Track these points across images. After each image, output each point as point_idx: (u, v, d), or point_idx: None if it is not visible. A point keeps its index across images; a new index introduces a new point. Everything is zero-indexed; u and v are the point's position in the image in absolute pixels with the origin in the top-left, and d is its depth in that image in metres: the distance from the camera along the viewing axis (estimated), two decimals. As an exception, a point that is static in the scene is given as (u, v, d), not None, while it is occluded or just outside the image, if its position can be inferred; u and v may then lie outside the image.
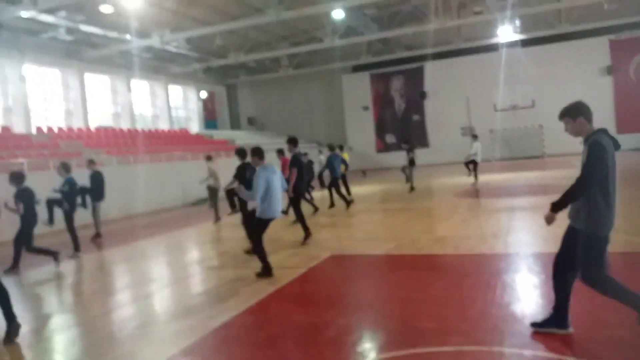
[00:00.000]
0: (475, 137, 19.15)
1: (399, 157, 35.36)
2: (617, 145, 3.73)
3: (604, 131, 3.76)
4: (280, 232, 9.83)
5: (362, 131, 36.62)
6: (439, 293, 5.22)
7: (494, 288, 5.18)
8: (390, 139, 36.63)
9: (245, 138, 31.29)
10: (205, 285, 6.62)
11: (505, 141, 33.03)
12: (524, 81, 30.02)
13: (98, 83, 25.42)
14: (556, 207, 3.74)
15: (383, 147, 36.78)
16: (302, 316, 4.88)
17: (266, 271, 6.44)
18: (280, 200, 6.69)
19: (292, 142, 9.99)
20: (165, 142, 23.78)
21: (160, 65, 28.52)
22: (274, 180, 6.49)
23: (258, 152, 6.71)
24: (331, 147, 14.66)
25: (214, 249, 9.58)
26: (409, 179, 17.93)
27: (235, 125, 36.32)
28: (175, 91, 31.34)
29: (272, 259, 7.38)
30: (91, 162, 11.97)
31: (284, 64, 31.60)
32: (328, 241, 8.80)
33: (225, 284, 6.36)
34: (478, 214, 10.61)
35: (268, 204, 6.43)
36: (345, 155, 16.29)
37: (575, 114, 3.81)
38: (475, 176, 17.82)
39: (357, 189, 19.91)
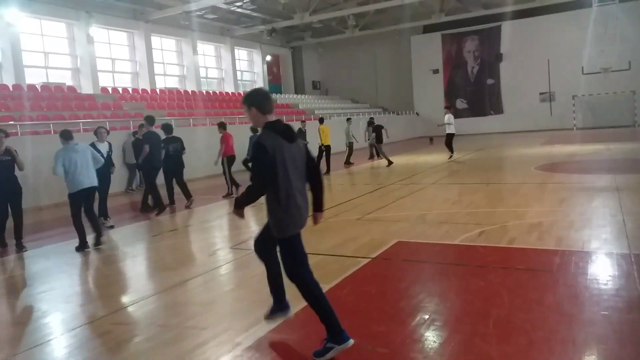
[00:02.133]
0: (448, 107, 18.45)
1: (470, 124, 33.53)
2: (292, 137, 3.47)
3: (273, 126, 3.45)
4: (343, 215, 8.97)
5: (430, 96, 34.73)
6: (550, 311, 4.10)
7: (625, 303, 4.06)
8: (461, 104, 34.53)
9: (309, 102, 30.43)
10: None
11: (590, 108, 30.17)
12: (620, 40, 26.80)
13: (164, 45, 25.25)
14: (237, 204, 3.59)
15: (453, 113, 34.67)
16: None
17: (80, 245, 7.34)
18: (87, 173, 7.37)
19: (148, 120, 10.44)
20: (228, 105, 23.38)
21: (226, 27, 27.95)
22: (75, 157, 7.28)
23: (63, 134, 7.51)
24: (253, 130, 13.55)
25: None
26: (372, 155, 18.43)
27: (299, 89, 35.45)
28: (241, 54, 30.80)
29: (329, 244, 6.60)
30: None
31: (350, 25, 30.03)
32: (395, 222, 7.83)
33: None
34: (574, 194, 9.18)
35: (71, 179, 7.26)
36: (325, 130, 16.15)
37: (249, 102, 3.52)
38: (451, 150, 17.40)
39: (425, 158, 18.72)
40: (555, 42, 30.24)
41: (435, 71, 34.65)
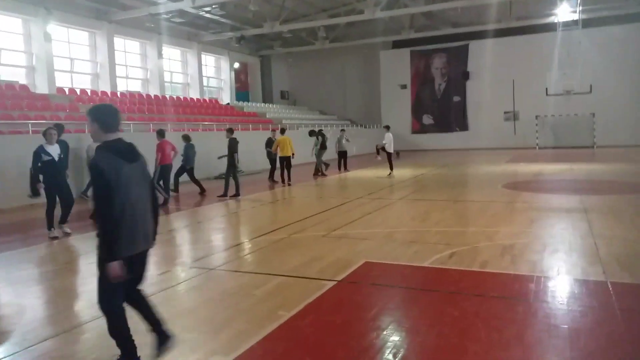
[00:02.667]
0: (387, 127, 18.74)
1: (436, 139, 33.77)
2: (132, 158, 3.30)
3: (111, 146, 3.25)
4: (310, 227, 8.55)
5: (398, 111, 34.86)
6: (530, 350, 3.76)
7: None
8: (427, 120, 34.80)
9: (276, 112, 29.99)
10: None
11: (552, 128, 30.87)
12: (582, 64, 27.51)
13: (128, 47, 24.38)
14: (105, 255, 3.18)
15: (419, 128, 34.99)
16: None
17: None
18: None
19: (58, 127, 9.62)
20: (192, 112, 22.68)
21: (193, 32, 27.31)
22: None
23: None
24: (186, 138, 14.25)
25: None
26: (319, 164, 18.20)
27: (267, 98, 34.97)
28: (208, 60, 30.14)
29: (292, 263, 6.17)
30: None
31: (320, 37, 29.87)
32: (362, 240, 7.46)
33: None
34: (543, 215, 9.03)
35: None
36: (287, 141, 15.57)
37: (92, 116, 3.31)
38: (391, 167, 17.59)
39: (394, 173, 18.47)
40: (521, 63, 30.86)
41: (404, 86, 34.84)
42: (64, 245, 8.04)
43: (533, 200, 10.83)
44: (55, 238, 8.22)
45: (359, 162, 23.49)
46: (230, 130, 13.12)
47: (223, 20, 25.85)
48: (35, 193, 8.25)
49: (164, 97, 23.90)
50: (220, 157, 14.08)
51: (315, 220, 9.16)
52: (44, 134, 8.59)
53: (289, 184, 15.29)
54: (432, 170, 18.77)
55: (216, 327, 4.25)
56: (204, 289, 5.43)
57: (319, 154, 18.16)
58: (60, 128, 9.82)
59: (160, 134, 12.34)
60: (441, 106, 34.25)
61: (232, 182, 12.91)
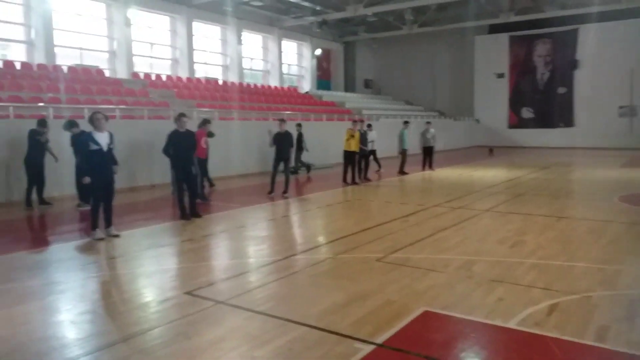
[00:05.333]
0: (369, 126, 15.62)
1: (536, 136, 30.31)
2: None
3: None
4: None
5: (493, 102, 31.74)
6: None
7: None
8: (526, 113, 31.37)
9: (356, 101, 28.28)
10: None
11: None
12: None
13: (208, 33, 23.89)
14: None
15: (517, 122, 31.64)
16: None
17: None
18: None
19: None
20: (267, 100, 21.64)
21: (274, 17, 26.31)
22: None
23: None
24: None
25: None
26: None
27: (350, 87, 33.34)
28: (289, 47, 29.08)
29: (324, 303, 4.55)
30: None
31: (408, 21, 27.56)
32: (427, 272, 5.68)
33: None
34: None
35: None
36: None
37: None
38: (378, 164, 16.56)
39: (482, 174, 16.19)
40: (641, 50, 26.64)
41: (500, 75, 31.60)
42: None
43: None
44: (101, 239, 7.26)
45: (446, 160, 21.26)
46: (283, 121, 11.67)
47: (304, 3, 24.52)
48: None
49: (240, 84, 23.13)
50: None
51: (374, 235, 7.47)
52: (91, 119, 7.60)
53: (355, 183, 13.59)
54: (530, 173, 16.17)
55: None
56: (193, 335, 3.99)
57: (296, 156, 15.97)
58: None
59: (202, 122, 11.21)
60: (543, 98, 30.65)
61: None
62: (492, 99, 31.69)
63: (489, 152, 25.86)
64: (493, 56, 31.42)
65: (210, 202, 10.76)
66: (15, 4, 16.61)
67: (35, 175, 10.18)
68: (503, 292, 4.89)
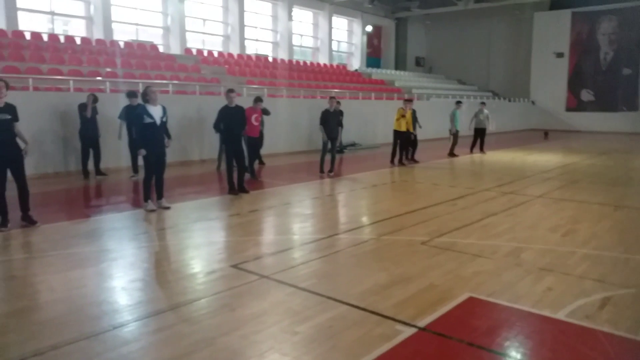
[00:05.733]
0: (483, 104, 16.54)
1: (596, 120, 28.84)
2: None
3: None
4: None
5: (550, 83, 30.39)
6: None
7: None
8: (586, 95, 29.88)
9: (406, 80, 27.75)
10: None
11: None
12: None
13: (259, 9, 23.91)
14: None
15: (576, 105, 30.22)
16: None
17: None
18: None
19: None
20: (316, 77, 21.55)
21: (326, -8, 26.01)
22: None
23: None
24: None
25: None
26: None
27: (400, 65, 32.68)
28: (340, 23, 28.74)
29: (367, 284, 4.54)
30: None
31: (464, -4, 26.63)
32: (474, 258, 5.56)
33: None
34: None
35: None
36: None
37: None
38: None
39: (536, 158, 15.63)
40: None
41: (560, 55, 30.13)
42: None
43: None
44: (153, 211, 7.53)
45: (498, 142, 20.64)
46: (334, 99, 11.52)
47: (357, -22, 24.11)
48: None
49: (290, 61, 23.12)
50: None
51: (420, 217, 7.36)
52: (145, 93, 7.82)
53: (402, 164, 13.40)
54: (587, 159, 15.46)
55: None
56: (236, 307, 4.09)
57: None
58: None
59: (255, 100, 10.84)
60: (606, 80, 29.06)
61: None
62: (550, 79, 30.33)
63: (544, 135, 24.89)
64: (553, 34, 29.95)
65: (259, 180, 10.88)
66: (76, -20, 17.17)
67: (89, 147, 10.63)
68: (552, 282, 4.73)
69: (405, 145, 13.55)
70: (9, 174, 6.42)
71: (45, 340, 3.51)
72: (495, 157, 15.93)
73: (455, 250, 5.73)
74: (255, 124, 10.35)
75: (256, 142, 10.79)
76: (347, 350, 3.39)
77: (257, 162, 12.29)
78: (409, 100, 13.71)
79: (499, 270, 5.08)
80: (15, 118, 6.41)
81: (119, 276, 4.91)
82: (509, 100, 29.93)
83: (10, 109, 6.36)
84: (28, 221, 6.59)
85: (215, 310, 4.10)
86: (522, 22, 30.53)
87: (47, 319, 3.88)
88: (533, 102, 31.39)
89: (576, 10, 29.05)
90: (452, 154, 15.66)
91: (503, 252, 5.65)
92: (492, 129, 16.78)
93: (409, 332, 3.67)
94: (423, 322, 3.81)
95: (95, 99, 10.65)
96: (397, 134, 13.24)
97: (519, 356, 3.41)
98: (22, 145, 6.57)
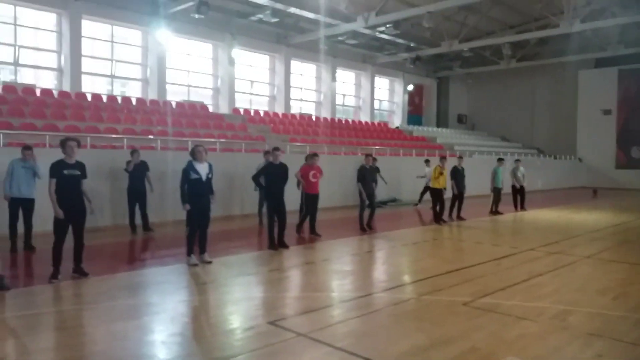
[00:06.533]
0: (427, 161, 16.77)
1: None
2: None
3: None
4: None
5: (598, 140, 29.69)
6: None
7: None
8: (637, 152, 28.92)
9: (448, 136, 27.81)
10: None
11: None
12: None
13: (304, 70, 24.90)
14: None
15: (626, 163, 29.25)
16: None
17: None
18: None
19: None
20: (357, 135, 21.93)
21: (368, 54, 26.84)
22: None
23: None
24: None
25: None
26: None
27: (442, 122, 32.85)
28: (382, 83, 29.45)
29: (403, 346, 4.46)
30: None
31: (506, 55, 26.71)
32: (518, 320, 5.37)
33: None
34: None
35: None
36: None
37: None
38: (420, 199, 17.37)
39: (585, 217, 15.12)
40: None
41: (607, 112, 29.56)
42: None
43: None
44: (195, 265, 7.72)
45: (544, 200, 20.12)
46: (370, 156, 11.67)
47: (398, 40, 24.78)
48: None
49: (332, 119, 23.69)
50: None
51: (462, 277, 7.20)
52: (193, 151, 8.21)
53: (444, 221, 13.18)
54: (638, 218, 14.81)
55: None
56: (275, 369, 4.09)
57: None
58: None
59: (307, 157, 11.01)
60: (657, 137, 28.14)
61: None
62: (597, 136, 29.64)
63: (593, 193, 24.07)
64: (599, 91, 29.54)
65: (318, 235, 10.63)
66: (135, 46, 18.50)
67: (136, 201, 10.94)
68: (602, 348, 4.49)
69: (441, 202, 13.26)
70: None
71: (86, 391, 3.60)
72: (541, 215, 15.49)
73: (498, 312, 5.55)
74: (314, 180, 10.37)
75: (315, 199, 10.62)
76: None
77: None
78: (444, 158, 13.65)
79: (545, 333, 4.88)
80: (84, 175, 6.84)
81: (159, 330, 5.02)
82: (555, 158, 29.33)
83: (80, 166, 6.82)
84: (80, 273, 6.86)
85: (252, 367, 4.10)
86: (566, 79, 30.34)
87: (90, 370, 3.99)
88: (580, 160, 30.62)
89: (623, 68, 28.69)
90: (495, 211, 15.35)
91: (549, 315, 5.43)
92: (525, 185, 16.52)
93: (447, 398, 3.55)
94: (463, 388, 3.68)
95: (136, 154, 10.93)
96: (434, 191, 13.17)
97: None
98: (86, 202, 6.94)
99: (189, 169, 7.84)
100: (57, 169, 6.64)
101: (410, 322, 5.29)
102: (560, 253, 9.10)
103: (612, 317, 5.40)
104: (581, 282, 7.05)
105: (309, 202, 10.51)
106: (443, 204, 13.21)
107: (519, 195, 16.40)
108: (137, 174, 10.88)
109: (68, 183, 6.65)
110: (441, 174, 13.09)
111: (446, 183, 13.23)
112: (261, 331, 4.91)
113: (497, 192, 15.48)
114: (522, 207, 16.34)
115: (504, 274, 7.46)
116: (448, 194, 13.43)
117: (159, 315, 5.43)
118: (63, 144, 6.75)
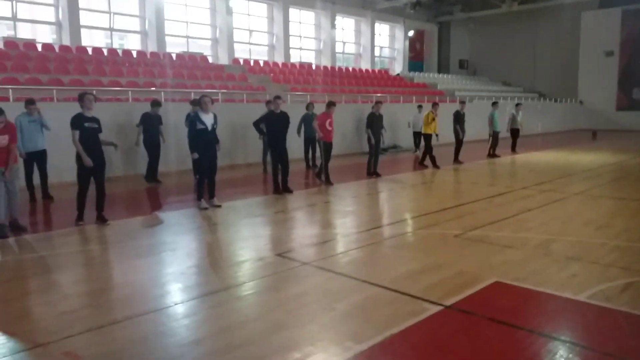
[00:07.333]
0: (420, 107, 17.37)
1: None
2: None
3: None
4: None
5: (599, 83, 29.58)
6: None
7: None
8: (638, 94, 28.87)
9: (449, 82, 27.75)
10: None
11: None
12: None
13: (303, 18, 24.65)
14: None
15: (626, 104, 29.29)
16: None
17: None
18: None
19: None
20: (357, 83, 22.00)
21: (368, 0, 26.42)
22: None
23: None
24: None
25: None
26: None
27: (443, 68, 32.67)
28: (382, 29, 29.12)
29: (399, 270, 4.94)
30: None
31: (508, -3, 26.38)
32: (504, 248, 5.84)
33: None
34: None
35: None
36: None
37: None
38: (417, 146, 17.38)
39: (581, 157, 15.48)
40: None
41: (610, 53, 29.30)
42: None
43: None
44: (206, 209, 8.19)
45: (543, 143, 20.41)
46: (380, 103, 11.93)
47: (398, -16, 24.43)
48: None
49: (332, 68, 23.68)
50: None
51: (455, 214, 7.68)
52: (199, 102, 8.50)
53: (423, 166, 13.53)
54: (634, 158, 15.18)
55: (262, 351, 3.38)
56: (281, 288, 4.59)
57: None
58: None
59: (327, 104, 11.01)
60: (659, 78, 28.03)
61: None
62: (599, 79, 29.53)
63: (592, 135, 24.32)
64: (602, 33, 29.17)
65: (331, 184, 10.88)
66: (132, -2, 18.40)
67: (152, 153, 11.29)
68: (578, 269, 4.98)
69: (427, 146, 13.57)
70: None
71: (118, 313, 4.11)
72: (538, 157, 15.88)
73: (486, 242, 6.04)
74: (329, 128, 10.66)
75: (330, 147, 10.91)
76: (378, 323, 3.81)
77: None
78: (437, 104, 13.89)
79: (527, 259, 5.36)
80: (100, 129, 7.17)
81: (177, 263, 5.52)
82: (556, 101, 29.36)
83: (96, 120, 7.15)
84: (101, 219, 7.32)
85: (262, 290, 4.62)
86: (569, 21, 29.90)
87: (120, 297, 4.51)
88: (581, 102, 30.64)
89: (627, 8, 28.22)
90: (492, 154, 15.72)
91: (533, 244, 5.91)
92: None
93: (435, 309, 4.05)
94: (449, 302, 4.18)
95: (157, 106, 11.18)
96: (426, 137, 13.49)
97: (534, 330, 3.74)
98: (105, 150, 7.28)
99: (195, 119, 8.16)
100: (79, 121, 6.96)
101: (405, 252, 5.79)
102: (552, 191, 9.55)
103: (593, 245, 5.88)
104: (568, 215, 7.52)
105: (326, 149, 10.82)
106: (429, 149, 13.41)
107: (515, 138, 16.77)
108: (153, 127, 11.09)
109: (89, 134, 6.99)
110: (433, 119, 13.39)
111: (437, 129, 13.52)
112: (270, 262, 5.42)
113: (495, 135, 15.80)
114: (513, 150, 16.76)
115: (496, 210, 7.92)
116: (445, 140, 13.72)
117: (176, 252, 5.93)
118: (82, 97, 7.06)
